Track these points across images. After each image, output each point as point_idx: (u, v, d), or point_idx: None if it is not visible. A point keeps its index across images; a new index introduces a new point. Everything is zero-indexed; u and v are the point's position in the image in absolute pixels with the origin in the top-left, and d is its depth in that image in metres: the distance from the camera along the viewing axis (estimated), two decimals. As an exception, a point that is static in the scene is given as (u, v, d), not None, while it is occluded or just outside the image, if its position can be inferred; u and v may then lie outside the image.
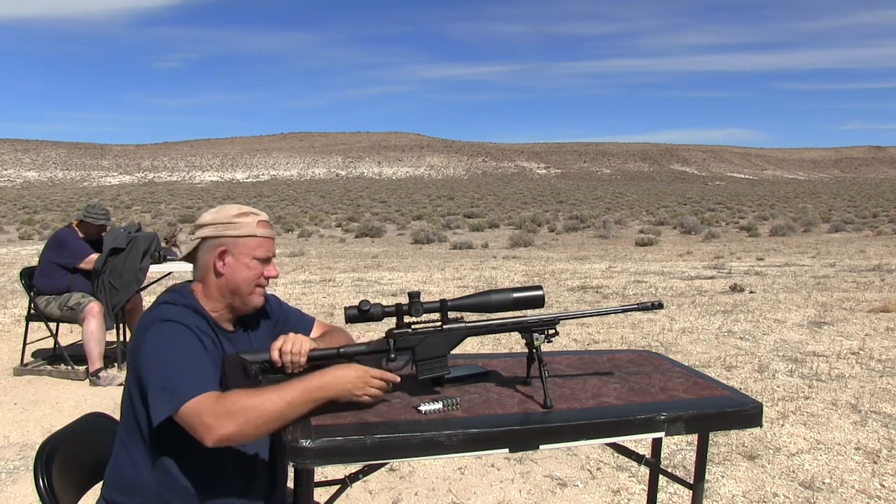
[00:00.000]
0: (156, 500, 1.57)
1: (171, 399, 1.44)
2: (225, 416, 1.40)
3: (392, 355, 1.62)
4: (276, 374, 1.59)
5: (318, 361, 1.66)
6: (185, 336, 1.54)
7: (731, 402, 1.63)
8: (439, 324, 1.66)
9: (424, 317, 1.64)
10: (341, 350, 1.65)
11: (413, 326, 1.66)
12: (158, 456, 1.56)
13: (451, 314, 1.67)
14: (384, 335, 1.66)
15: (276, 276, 1.73)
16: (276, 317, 1.83)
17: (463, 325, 1.67)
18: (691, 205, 44.95)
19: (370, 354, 1.64)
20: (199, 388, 1.44)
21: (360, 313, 1.60)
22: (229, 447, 1.59)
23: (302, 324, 1.85)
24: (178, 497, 1.56)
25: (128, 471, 1.58)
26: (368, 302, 1.61)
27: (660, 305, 1.72)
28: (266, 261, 1.70)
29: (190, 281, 1.73)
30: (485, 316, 1.70)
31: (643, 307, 1.71)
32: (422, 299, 1.61)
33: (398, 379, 1.60)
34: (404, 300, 1.65)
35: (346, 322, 1.63)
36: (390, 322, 1.64)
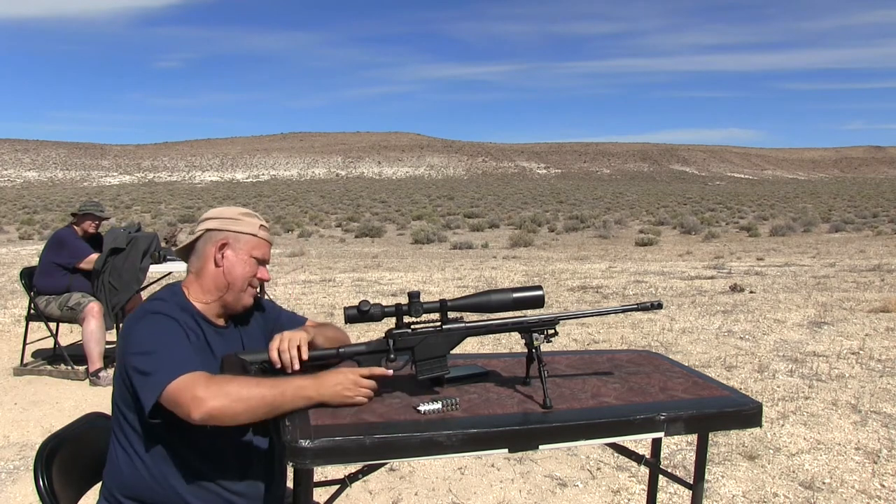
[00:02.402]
0: (153, 494, 1.58)
1: (161, 378, 1.45)
2: (217, 391, 1.43)
3: (392, 355, 1.62)
4: (275, 374, 1.60)
5: (317, 361, 1.66)
6: (170, 325, 1.58)
7: (730, 402, 1.62)
8: (439, 324, 1.66)
9: (424, 317, 1.64)
10: (340, 350, 1.66)
11: (413, 326, 1.66)
12: (152, 450, 1.58)
13: (451, 314, 1.66)
14: (384, 335, 1.66)
15: (267, 280, 1.79)
16: (269, 315, 1.87)
17: (463, 325, 1.67)
18: (691, 205, 44.94)
19: (370, 354, 1.64)
20: (189, 368, 1.47)
21: (360, 313, 1.60)
22: (227, 437, 1.60)
23: (294, 323, 1.87)
24: (176, 489, 1.57)
25: (125, 468, 1.60)
26: (368, 302, 1.61)
27: (659, 305, 1.72)
28: (261, 262, 1.76)
29: (180, 281, 1.76)
30: (485, 316, 1.70)
31: (643, 307, 1.71)
32: (421, 299, 1.61)
33: (390, 373, 1.61)
34: (404, 300, 1.65)
35: (346, 322, 1.63)
36: (390, 322, 1.64)
